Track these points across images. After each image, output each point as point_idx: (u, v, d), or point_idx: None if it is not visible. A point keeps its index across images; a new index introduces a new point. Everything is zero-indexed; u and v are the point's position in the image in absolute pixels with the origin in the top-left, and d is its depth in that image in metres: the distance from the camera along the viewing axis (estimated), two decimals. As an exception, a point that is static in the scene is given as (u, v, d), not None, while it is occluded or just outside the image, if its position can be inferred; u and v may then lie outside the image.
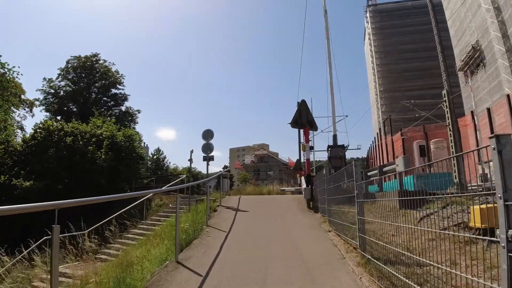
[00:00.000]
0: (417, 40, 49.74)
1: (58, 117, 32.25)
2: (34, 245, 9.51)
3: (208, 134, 14.13)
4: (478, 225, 4.98)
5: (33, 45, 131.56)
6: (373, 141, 47.69)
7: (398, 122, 36.73)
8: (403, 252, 4.16)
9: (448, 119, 15.48)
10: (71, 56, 36.18)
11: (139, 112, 38.30)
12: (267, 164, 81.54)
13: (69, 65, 35.96)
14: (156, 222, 13.55)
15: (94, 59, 36.46)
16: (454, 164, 14.31)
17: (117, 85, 37.44)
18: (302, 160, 31.05)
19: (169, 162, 58.06)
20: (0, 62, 22.25)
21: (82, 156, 17.64)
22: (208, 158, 14.02)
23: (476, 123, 25.71)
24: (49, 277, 9.23)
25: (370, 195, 5.60)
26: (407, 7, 54.76)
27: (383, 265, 4.18)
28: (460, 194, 3.90)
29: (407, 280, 3.63)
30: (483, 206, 5.52)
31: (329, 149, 17.21)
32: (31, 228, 12.87)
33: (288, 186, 27.64)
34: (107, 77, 36.62)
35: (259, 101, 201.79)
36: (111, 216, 12.49)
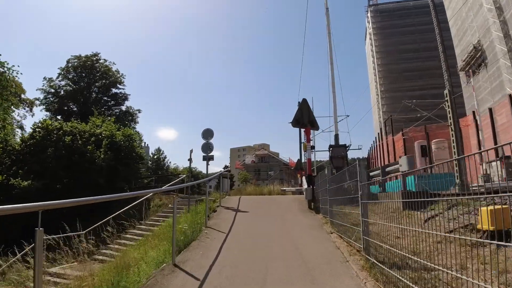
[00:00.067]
0: (418, 40, 49.59)
1: (59, 117, 32.14)
2: (28, 248, 9.32)
3: (208, 133, 13.93)
4: (487, 227, 4.79)
5: (33, 45, 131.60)
6: (374, 141, 47.47)
7: (399, 122, 36.53)
8: (410, 256, 3.99)
9: (450, 119, 15.30)
10: (71, 56, 36.17)
11: (139, 112, 38.25)
12: (267, 164, 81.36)
13: (70, 64, 35.87)
14: (155, 223, 13.40)
15: (94, 58, 36.36)
16: (455, 164, 14.14)
17: (118, 85, 37.39)
18: (303, 160, 30.92)
19: (170, 162, 57.90)
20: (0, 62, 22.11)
21: (81, 156, 17.48)
22: (207, 158, 13.82)
23: (479, 122, 25.52)
24: (46, 278, 9.11)
25: (372, 196, 5.44)
26: (408, 7, 54.54)
27: (389, 270, 4.00)
28: (474, 196, 3.69)
29: (414, 286, 3.44)
30: (491, 207, 5.35)
31: (331, 148, 16.99)
32: (32, 228, 12.70)
33: (289, 186, 27.48)
34: (108, 77, 36.51)
35: (259, 101, 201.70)
36: (109, 216, 12.33)
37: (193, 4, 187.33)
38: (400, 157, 9.25)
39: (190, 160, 14.41)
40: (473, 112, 27.17)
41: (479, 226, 5.36)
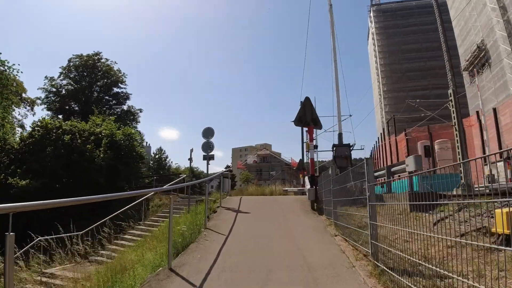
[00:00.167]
0: (421, 40, 49.30)
1: (60, 116, 31.94)
2: (23, 250, 9.12)
3: (208, 132, 13.66)
4: (505, 230, 4.50)
5: (33, 45, 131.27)
6: (376, 141, 47.17)
7: (402, 123, 36.26)
8: (421, 262, 3.71)
9: (454, 119, 15.03)
10: (73, 55, 36.06)
11: (141, 111, 38.10)
12: (269, 164, 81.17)
13: (71, 63, 35.74)
14: (155, 223, 13.18)
15: (96, 57, 36.23)
16: (460, 165, 13.88)
17: (119, 84, 37.25)
18: (305, 160, 30.66)
19: (171, 162, 57.75)
20: (0, 60, 21.96)
21: (80, 155, 17.26)
22: (208, 157, 13.55)
23: (483, 122, 25.19)
24: (44, 279, 8.88)
25: (378, 197, 5.15)
26: (411, 6, 54.18)
27: (400, 277, 3.71)
28: (492, 200, 3.40)
29: (429, 296, 3.16)
30: (506, 210, 5.07)
31: (334, 148, 16.65)
32: (32, 227, 12.50)
33: (291, 186, 27.22)
34: (109, 76, 36.38)
35: (261, 101, 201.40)
36: (107, 217, 12.10)
37: (193, 4, 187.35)
38: (406, 156, 8.97)
39: (190, 159, 14.19)
40: (477, 112, 26.87)
41: (493, 230, 5.07)
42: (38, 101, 34.01)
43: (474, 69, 29.21)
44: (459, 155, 14.45)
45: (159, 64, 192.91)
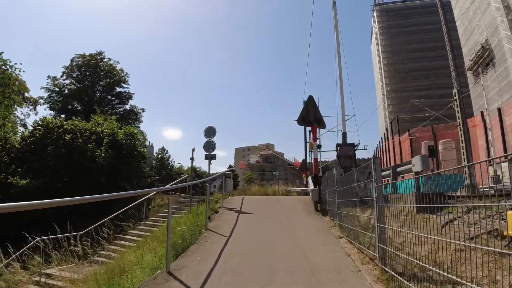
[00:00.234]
0: (425, 40, 48.95)
1: (63, 115, 31.92)
2: (18, 252, 9.00)
3: (210, 132, 13.47)
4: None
5: (33, 45, 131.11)
6: (379, 142, 46.85)
7: (405, 123, 35.99)
8: (430, 267, 3.52)
9: (459, 119, 14.81)
10: (75, 54, 36.03)
11: (143, 111, 38.03)
12: (272, 164, 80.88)
13: (74, 63, 35.72)
14: (156, 223, 13.05)
15: (98, 57, 36.19)
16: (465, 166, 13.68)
17: (122, 84, 37.18)
18: (308, 160, 30.44)
19: (174, 162, 57.66)
20: (2, 59, 21.93)
21: (81, 154, 17.16)
22: (210, 157, 13.36)
23: (488, 122, 24.91)
24: (43, 279, 8.75)
25: (384, 198, 4.95)
26: (415, 6, 53.83)
27: (409, 283, 3.52)
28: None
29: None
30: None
31: (338, 147, 16.39)
32: (31, 227, 12.41)
33: (294, 186, 27.01)
34: (112, 76, 36.34)
35: (263, 101, 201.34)
36: (108, 217, 11.99)
37: (193, 4, 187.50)
38: (412, 157, 8.79)
39: (192, 159, 14.03)
40: (481, 112, 26.60)
41: (505, 233, 4.86)
42: (41, 101, 34.07)
43: (479, 68, 28.93)
44: (463, 155, 14.23)
45: (161, 64, 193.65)
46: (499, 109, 23.09)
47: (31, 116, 33.92)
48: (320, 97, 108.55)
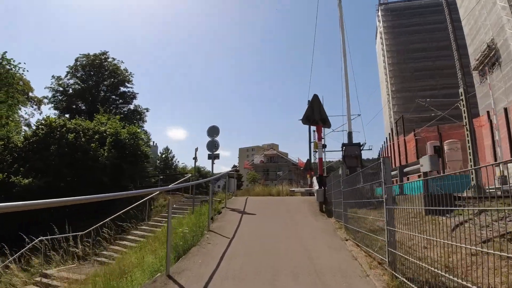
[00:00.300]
0: (430, 39, 48.54)
1: (67, 115, 31.96)
2: (16, 254, 8.89)
3: (213, 131, 13.29)
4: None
5: (33, 45, 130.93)
6: (384, 142, 46.50)
7: (410, 123, 35.69)
8: (443, 273, 3.33)
9: (465, 119, 14.57)
10: (80, 54, 36.13)
11: (147, 111, 38.05)
12: (276, 164, 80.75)
13: (78, 63, 35.84)
14: (158, 224, 12.93)
15: (102, 57, 36.26)
16: (471, 165, 13.44)
17: (126, 84, 37.24)
18: (312, 160, 30.20)
19: (178, 161, 57.58)
20: (6, 59, 21.94)
21: (84, 153, 17.08)
22: (213, 156, 13.19)
23: (495, 122, 24.56)
24: (44, 280, 8.63)
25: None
26: (419, 5, 53.43)
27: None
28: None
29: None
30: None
31: (344, 147, 16.13)
32: (31, 227, 12.33)
33: (298, 186, 26.81)
34: (116, 75, 36.41)
35: (268, 101, 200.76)
36: (110, 217, 11.87)
37: (200, 5, 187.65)
38: (419, 157, 8.54)
39: (195, 158, 13.86)
40: (487, 112, 26.27)
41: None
42: (45, 100, 34.16)
43: (486, 68, 28.59)
44: (470, 155, 14.00)
45: (168, 64, 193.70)
46: (505, 109, 22.77)
47: (35, 116, 34.04)
48: (325, 97, 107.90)
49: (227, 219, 9.21)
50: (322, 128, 13.05)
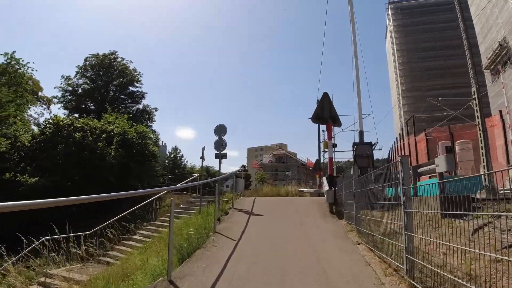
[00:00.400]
0: (440, 38, 47.79)
1: (76, 115, 32.11)
2: (17, 257, 8.76)
3: (220, 130, 13.04)
4: None
5: (33, 45, 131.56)
6: (394, 142, 45.83)
7: (421, 122, 35.02)
8: (465, 283, 3.02)
9: (478, 119, 14.15)
10: (89, 54, 36.34)
11: (156, 110, 38.14)
12: (285, 164, 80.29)
13: (87, 63, 36.03)
14: (164, 224, 12.75)
15: (112, 57, 36.40)
16: (484, 166, 13.05)
17: (135, 83, 37.31)
18: (321, 160, 29.81)
19: (186, 161, 57.57)
20: (14, 58, 22.01)
21: (91, 152, 17.02)
22: (220, 156, 12.94)
23: (508, 121, 23.94)
24: (47, 280, 8.50)
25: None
26: (430, 4, 52.58)
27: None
28: None
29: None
30: None
31: (355, 146, 15.73)
32: (31, 227, 12.25)
33: (307, 187, 26.43)
34: (125, 75, 36.55)
35: (277, 101, 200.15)
36: (117, 216, 11.75)
37: (208, 4, 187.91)
38: (436, 157, 8.21)
39: (202, 158, 13.64)
40: (500, 111, 25.65)
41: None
42: (55, 100, 34.39)
43: (498, 66, 27.93)
44: (482, 156, 13.59)
45: (177, 64, 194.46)
46: (517, 109, 22.20)
47: (44, 115, 34.21)
48: (335, 96, 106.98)
49: (234, 220, 8.95)
50: (332, 127, 12.71)
